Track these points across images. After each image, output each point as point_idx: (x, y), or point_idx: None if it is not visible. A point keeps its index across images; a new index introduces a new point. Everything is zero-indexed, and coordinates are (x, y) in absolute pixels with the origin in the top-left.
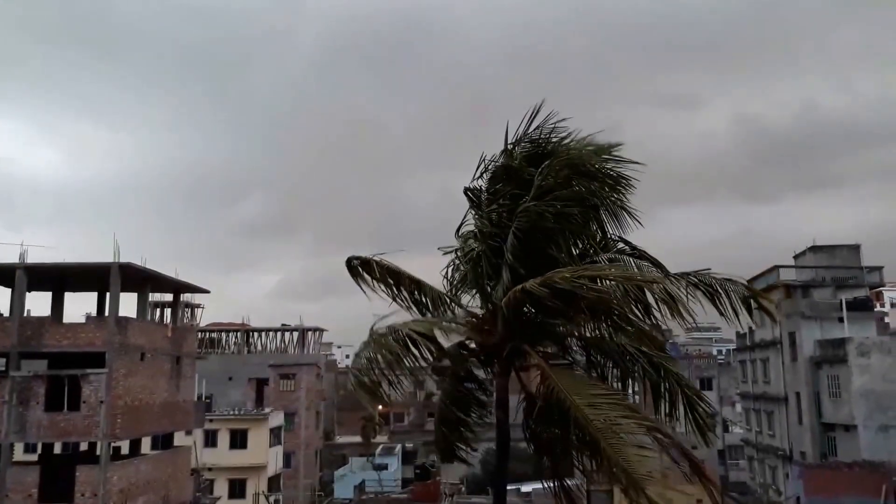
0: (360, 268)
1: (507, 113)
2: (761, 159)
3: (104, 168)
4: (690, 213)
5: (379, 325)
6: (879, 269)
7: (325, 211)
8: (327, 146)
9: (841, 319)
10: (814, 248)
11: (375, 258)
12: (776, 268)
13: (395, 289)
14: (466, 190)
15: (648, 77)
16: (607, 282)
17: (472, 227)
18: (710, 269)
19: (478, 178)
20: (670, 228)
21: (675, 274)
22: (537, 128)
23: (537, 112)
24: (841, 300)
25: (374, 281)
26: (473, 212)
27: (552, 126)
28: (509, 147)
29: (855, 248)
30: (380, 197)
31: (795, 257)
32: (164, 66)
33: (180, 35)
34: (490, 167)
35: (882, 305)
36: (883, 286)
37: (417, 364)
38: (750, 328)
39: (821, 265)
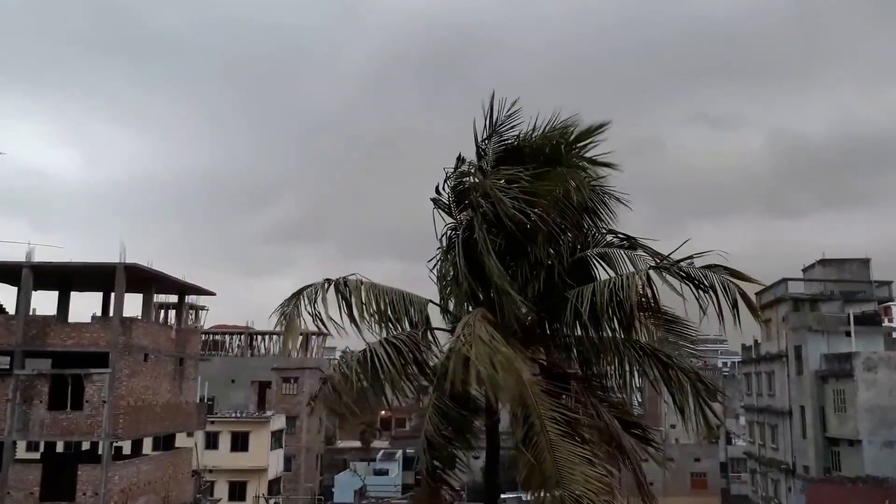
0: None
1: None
2: (793, 175)
3: (136, 173)
4: (720, 226)
5: (348, 354)
6: (888, 283)
7: (353, 219)
8: (364, 156)
9: (848, 333)
10: (823, 262)
11: (348, 278)
12: (784, 280)
13: (372, 308)
14: (437, 200)
15: (686, 94)
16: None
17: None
18: (692, 256)
19: (444, 186)
20: (700, 241)
21: (660, 265)
22: (502, 124)
23: (492, 106)
24: (849, 314)
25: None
26: (446, 218)
27: (514, 119)
28: (481, 148)
29: (864, 262)
30: (410, 207)
31: (804, 270)
32: (205, 76)
33: (225, 46)
34: (456, 172)
35: (890, 320)
36: (892, 301)
37: (391, 378)
38: (756, 341)
39: (830, 279)
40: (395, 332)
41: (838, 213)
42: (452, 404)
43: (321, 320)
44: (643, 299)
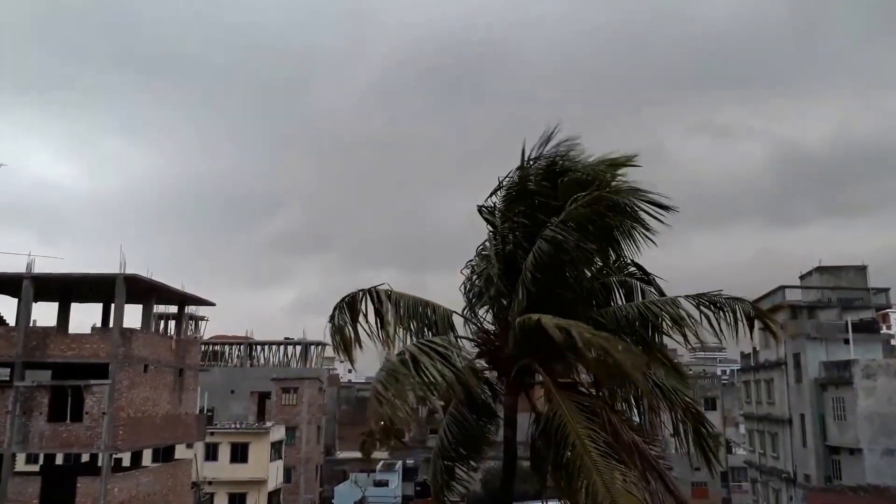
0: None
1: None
2: (793, 184)
3: (141, 185)
4: (723, 235)
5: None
6: (886, 290)
7: (356, 229)
8: (367, 165)
9: (847, 341)
10: (820, 269)
11: (377, 288)
12: (782, 288)
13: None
14: (481, 208)
15: (688, 104)
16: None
17: (488, 244)
18: (721, 290)
19: (491, 197)
20: (700, 250)
21: (687, 296)
22: (553, 147)
23: (553, 133)
24: (847, 321)
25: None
26: (489, 229)
27: (567, 145)
28: (527, 164)
29: (861, 270)
30: (417, 217)
31: (802, 278)
32: (210, 87)
33: (229, 58)
34: (505, 185)
35: (889, 327)
36: (890, 308)
37: (432, 380)
38: (755, 349)
39: (827, 286)
40: (424, 339)
41: (838, 221)
42: (469, 414)
43: (365, 333)
44: (670, 324)
